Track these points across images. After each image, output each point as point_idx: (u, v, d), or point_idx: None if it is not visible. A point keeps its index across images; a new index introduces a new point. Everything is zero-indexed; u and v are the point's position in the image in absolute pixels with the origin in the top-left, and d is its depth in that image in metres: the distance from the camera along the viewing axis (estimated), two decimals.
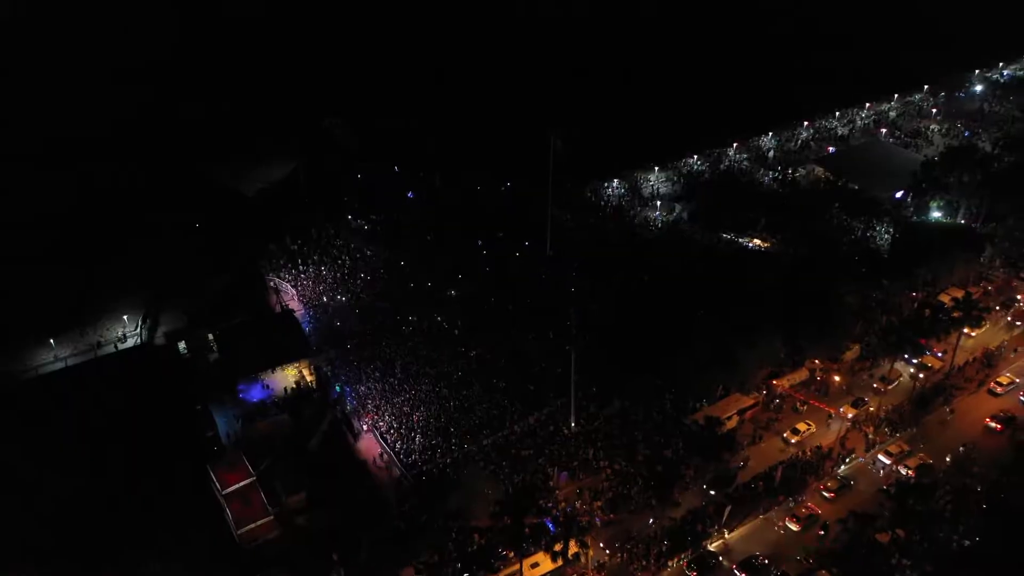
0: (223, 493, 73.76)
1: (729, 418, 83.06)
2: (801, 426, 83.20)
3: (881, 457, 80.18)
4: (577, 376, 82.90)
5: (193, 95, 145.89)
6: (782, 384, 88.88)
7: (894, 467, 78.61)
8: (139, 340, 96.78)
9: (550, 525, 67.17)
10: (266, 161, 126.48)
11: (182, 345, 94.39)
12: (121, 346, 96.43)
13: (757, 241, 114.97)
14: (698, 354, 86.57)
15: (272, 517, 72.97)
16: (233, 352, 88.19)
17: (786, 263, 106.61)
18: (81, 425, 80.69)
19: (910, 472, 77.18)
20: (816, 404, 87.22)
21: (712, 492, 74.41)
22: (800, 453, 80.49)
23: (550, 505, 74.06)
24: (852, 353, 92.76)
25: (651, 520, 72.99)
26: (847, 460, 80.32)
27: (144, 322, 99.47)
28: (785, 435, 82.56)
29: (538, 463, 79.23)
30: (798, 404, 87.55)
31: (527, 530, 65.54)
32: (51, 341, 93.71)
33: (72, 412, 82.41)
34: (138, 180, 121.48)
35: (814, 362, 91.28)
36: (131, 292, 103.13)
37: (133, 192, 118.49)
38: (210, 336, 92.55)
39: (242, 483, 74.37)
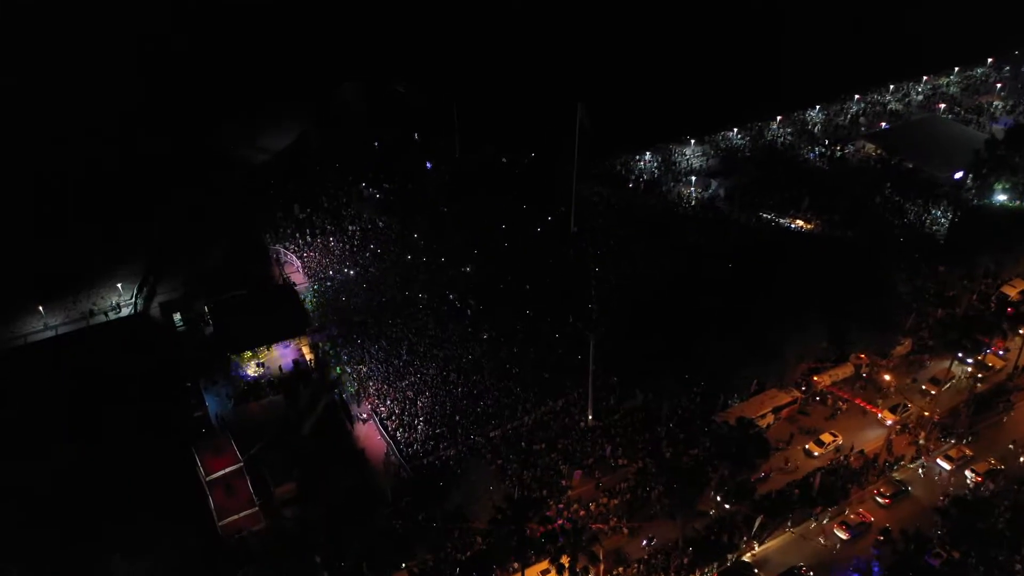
0: (206, 480, 68.06)
1: (763, 416, 75.42)
2: (826, 437, 74.56)
3: (940, 462, 72.08)
4: (596, 365, 75.62)
5: (197, 54, 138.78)
6: (824, 380, 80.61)
7: (960, 473, 71.01)
8: (134, 310, 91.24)
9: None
10: (275, 125, 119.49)
11: (177, 317, 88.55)
12: (114, 316, 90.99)
13: (800, 222, 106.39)
14: (731, 344, 79.22)
15: (257, 508, 67.10)
16: (226, 327, 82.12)
17: (831, 247, 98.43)
18: (62, 398, 75.39)
19: (977, 479, 69.08)
20: (861, 404, 78.92)
21: (727, 506, 66.66)
22: (842, 458, 72.58)
23: (561, 507, 67.38)
24: (903, 348, 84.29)
25: (648, 539, 65.38)
26: (895, 467, 72.23)
27: (140, 291, 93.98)
28: (808, 446, 74.06)
29: (550, 458, 72.40)
30: (840, 403, 79.39)
31: (538, 534, 59.03)
32: (40, 308, 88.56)
33: (54, 383, 77.18)
34: (138, 145, 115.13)
35: (860, 357, 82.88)
36: (129, 259, 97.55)
37: (133, 157, 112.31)
38: (206, 308, 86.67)
39: (227, 469, 68.54)
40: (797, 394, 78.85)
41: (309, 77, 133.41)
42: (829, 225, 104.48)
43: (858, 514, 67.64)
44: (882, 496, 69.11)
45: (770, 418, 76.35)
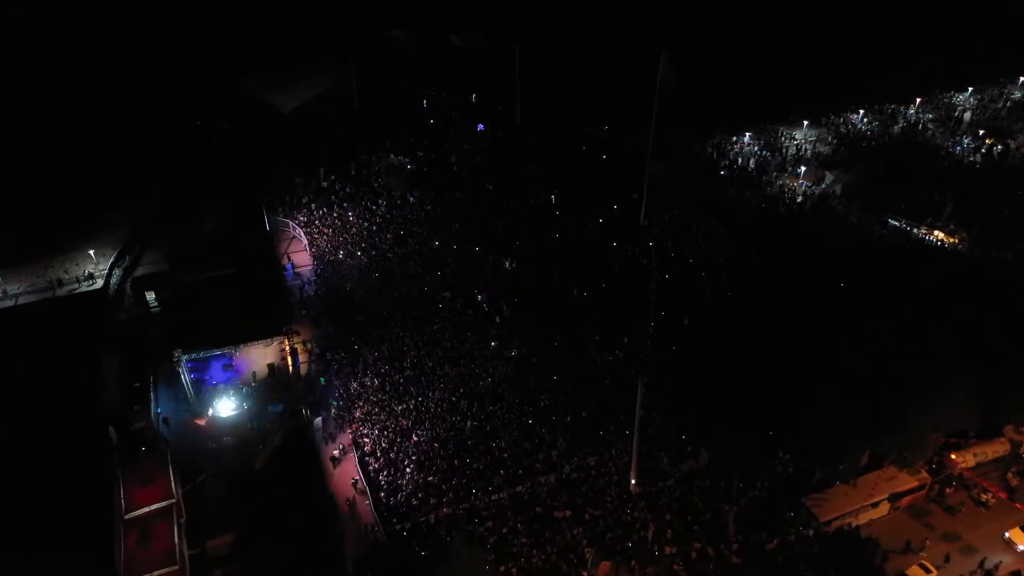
0: (124, 518, 52.73)
1: (875, 505, 54.58)
2: (914, 571, 51.83)
3: None
4: (646, 411, 56.32)
5: None
6: (966, 459, 58.63)
7: None
8: (104, 283, 77.25)
9: None
10: (311, 75, 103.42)
11: (151, 296, 73.91)
12: (87, 287, 77.32)
13: (940, 234, 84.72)
14: (839, 398, 58.57)
15: (177, 567, 51.22)
16: (188, 317, 66.50)
17: (983, 270, 76.82)
18: None
19: None
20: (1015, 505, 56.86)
21: None
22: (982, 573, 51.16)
23: None
24: None
25: None
26: None
27: (120, 260, 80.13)
28: None
29: (572, 535, 53.73)
30: (982, 495, 57.38)
31: None
32: None
33: None
34: (146, 89, 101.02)
35: (1020, 431, 60.41)
36: (113, 223, 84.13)
37: (139, 104, 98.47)
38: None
39: (152, 507, 53.13)
40: (926, 476, 57.34)
41: (353, 23, 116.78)
42: (980, 240, 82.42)
43: None
44: None
45: (884, 508, 55.48)
